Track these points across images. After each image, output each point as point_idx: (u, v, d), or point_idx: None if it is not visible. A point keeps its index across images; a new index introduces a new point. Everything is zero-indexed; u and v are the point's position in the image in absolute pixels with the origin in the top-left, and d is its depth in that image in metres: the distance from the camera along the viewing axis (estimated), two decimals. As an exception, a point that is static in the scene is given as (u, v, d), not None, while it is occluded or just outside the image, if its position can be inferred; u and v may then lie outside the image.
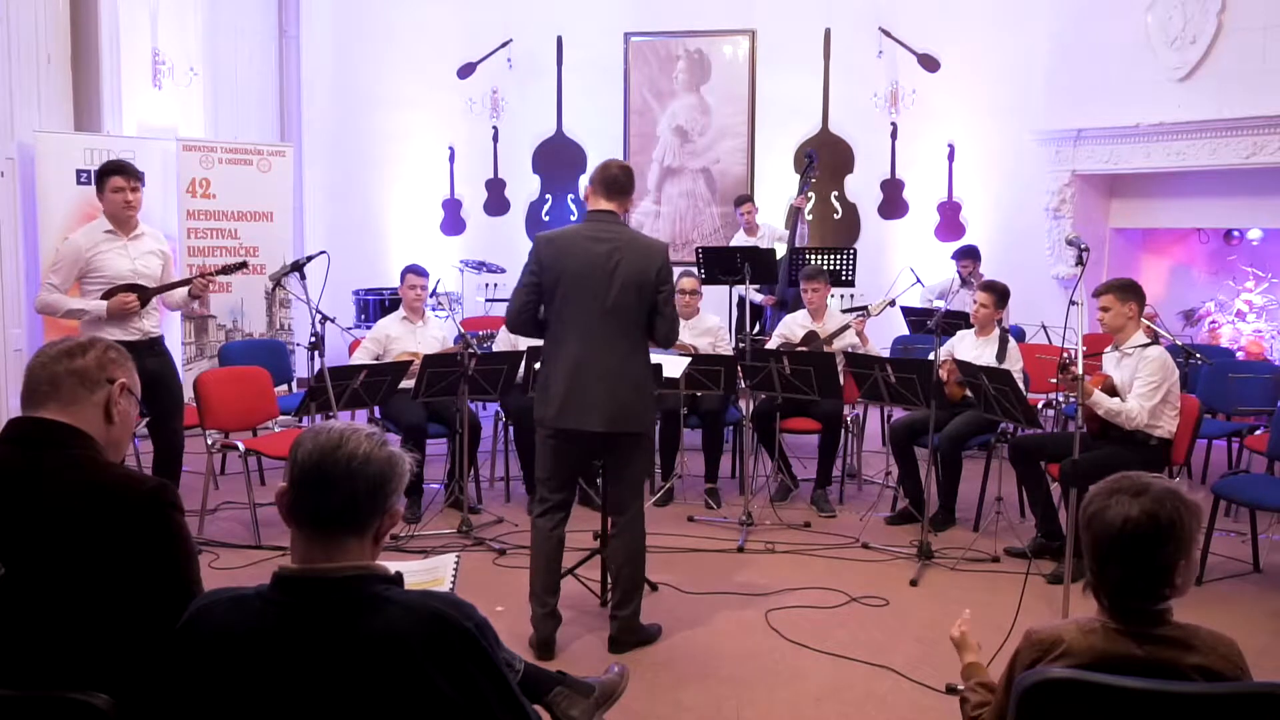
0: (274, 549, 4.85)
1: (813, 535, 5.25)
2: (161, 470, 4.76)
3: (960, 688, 3.48)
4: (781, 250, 7.66)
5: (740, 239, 7.93)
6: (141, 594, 1.85)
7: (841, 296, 8.02)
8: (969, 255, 7.46)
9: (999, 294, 5.57)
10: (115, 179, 4.65)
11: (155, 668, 1.69)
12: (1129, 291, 4.60)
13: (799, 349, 5.84)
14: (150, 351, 4.64)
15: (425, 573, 2.55)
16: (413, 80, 9.16)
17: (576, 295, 3.67)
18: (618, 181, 3.76)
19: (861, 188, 8.99)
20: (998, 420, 4.84)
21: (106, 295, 4.59)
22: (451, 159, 9.38)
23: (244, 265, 5.18)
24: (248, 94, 8.52)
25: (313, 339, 4.71)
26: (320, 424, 1.72)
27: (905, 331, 7.35)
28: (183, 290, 4.82)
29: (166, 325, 6.66)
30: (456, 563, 2.60)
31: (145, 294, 4.66)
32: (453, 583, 2.50)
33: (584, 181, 9.14)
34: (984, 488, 5.38)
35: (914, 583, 4.57)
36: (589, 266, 3.65)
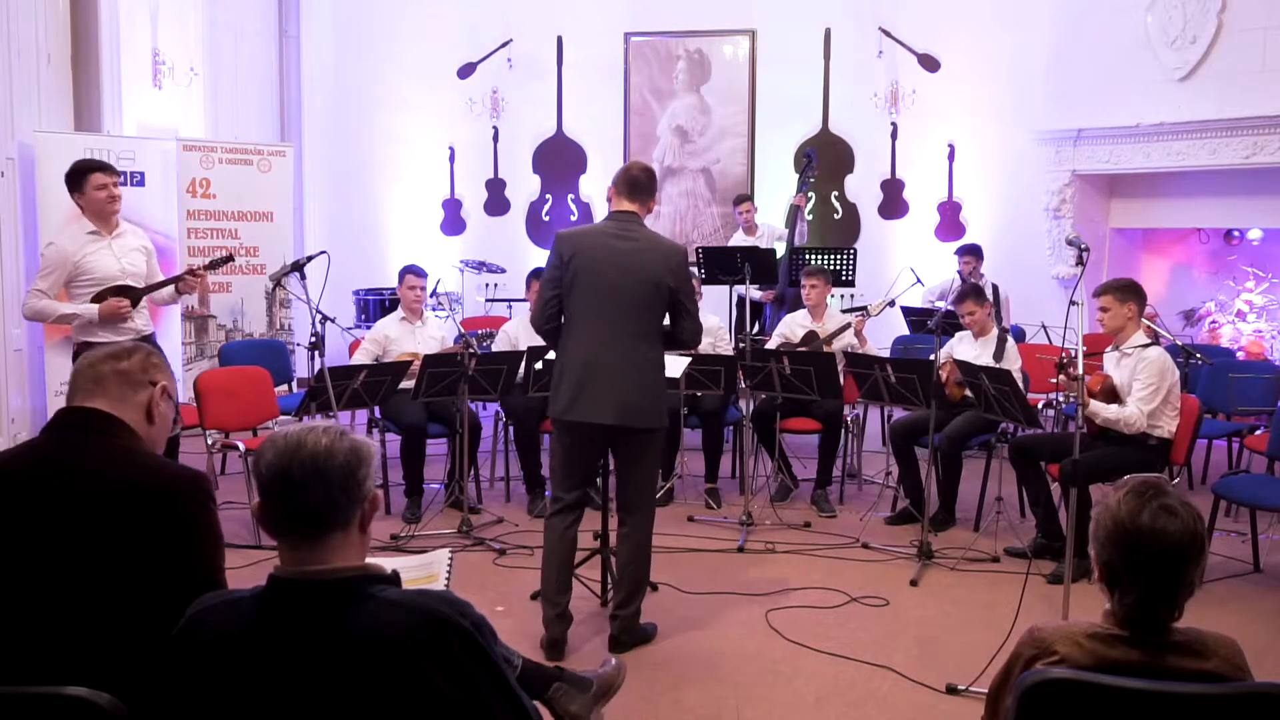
0: (274, 549, 4.81)
1: (813, 535, 5.25)
2: None
3: (960, 687, 3.49)
4: (781, 250, 7.67)
5: (739, 239, 7.93)
6: (169, 582, 1.90)
7: (841, 296, 8.02)
8: (971, 253, 7.43)
9: (977, 294, 5.60)
10: (96, 176, 4.60)
11: (159, 667, 1.70)
12: (1128, 292, 4.59)
13: (799, 349, 5.84)
14: None
15: (419, 569, 2.56)
16: (413, 80, 9.16)
17: (593, 290, 3.69)
18: (639, 183, 3.80)
19: (861, 188, 8.99)
20: (998, 420, 4.84)
21: (96, 298, 4.57)
22: (451, 159, 9.38)
23: (230, 259, 5.15)
24: (248, 94, 8.52)
25: (313, 339, 4.71)
26: (275, 432, 1.74)
27: (905, 331, 7.34)
28: (170, 288, 4.80)
29: (167, 326, 6.71)
30: (450, 559, 2.60)
31: (135, 295, 4.65)
32: (447, 579, 2.50)
33: (582, 180, 9.24)
34: (984, 488, 5.38)
35: (914, 583, 4.57)
36: (608, 262, 3.68)
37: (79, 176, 4.61)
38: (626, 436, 3.76)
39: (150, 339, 4.79)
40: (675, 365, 5.12)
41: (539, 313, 3.84)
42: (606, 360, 3.68)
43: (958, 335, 5.74)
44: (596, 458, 4.00)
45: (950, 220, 8.80)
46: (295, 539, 1.65)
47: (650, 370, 3.76)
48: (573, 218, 9.27)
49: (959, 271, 7.38)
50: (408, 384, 5.22)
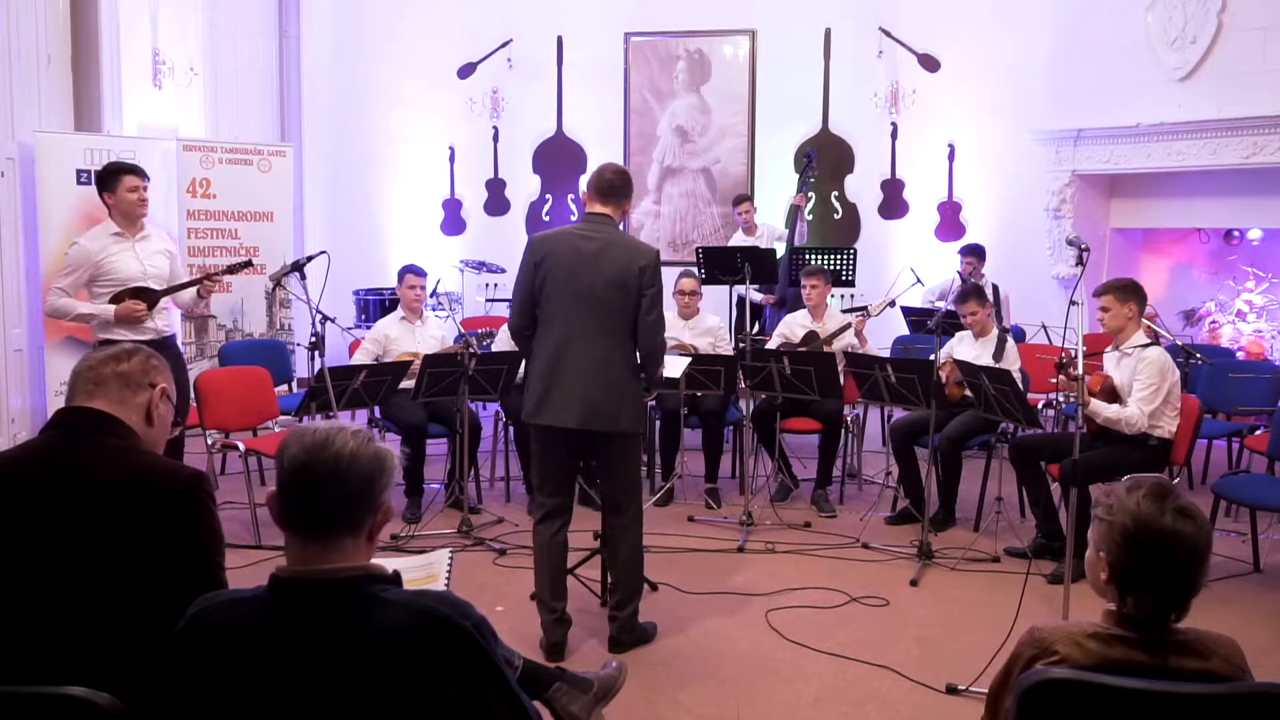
0: (274, 549, 4.84)
1: (813, 535, 5.25)
2: None
3: (960, 687, 3.49)
4: (781, 250, 7.67)
5: (739, 239, 7.93)
6: (169, 581, 1.91)
7: (842, 296, 8.02)
8: (973, 253, 7.42)
9: (979, 294, 5.59)
10: (130, 178, 4.71)
11: (160, 667, 1.70)
12: (1129, 292, 4.59)
13: (799, 349, 5.84)
14: (162, 350, 4.71)
15: (419, 569, 2.56)
16: (413, 80, 9.16)
17: (562, 291, 3.68)
18: (612, 185, 3.78)
19: (861, 188, 8.99)
20: (998, 420, 4.84)
21: (114, 299, 4.62)
22: (451, 159, 9.38)
23: (249, 264, 5.20)
24: (248, 94, 8.51)
25: (313, 339, 4.72)
26: (303, 426, 1.73)
27: (905, 331, 7.34)
28: (191, 291, 4.86)
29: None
30: (450, 559, 2.60)
31: (153, 298, 4.69)
32: (447, 579, 2.51)
33: (584, 182, 9.24)
34: (984, 488, 5.38)
35: (914, 583, 4.57)
36: (574, 262, 3.66)
37: (112, 177, 4.72)
38: (597, 440, 3.73)
39: (170, 340, 4.83)
40: (675, 365, 5.13)
41: (514, 316, 3.84)
42: (570, 361, 3.66)
43: (958, 335, 5.74)
44: (572, 461, 3.90)
45: (950, 220, 8.80)
46: (304, 536, 1.65)
47: (615, 371, 3.68)
48: (573, 217, 9.26)
49: (959, 272, 7.38)
50: (408, 384, 5.22)
